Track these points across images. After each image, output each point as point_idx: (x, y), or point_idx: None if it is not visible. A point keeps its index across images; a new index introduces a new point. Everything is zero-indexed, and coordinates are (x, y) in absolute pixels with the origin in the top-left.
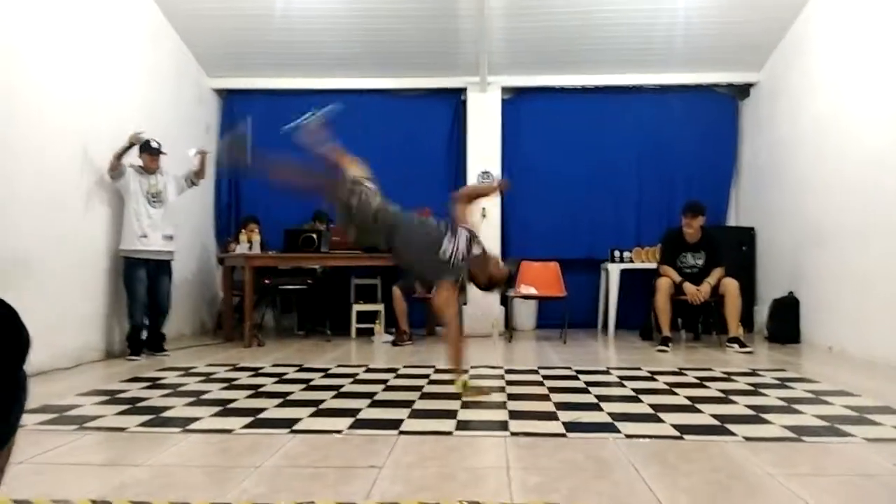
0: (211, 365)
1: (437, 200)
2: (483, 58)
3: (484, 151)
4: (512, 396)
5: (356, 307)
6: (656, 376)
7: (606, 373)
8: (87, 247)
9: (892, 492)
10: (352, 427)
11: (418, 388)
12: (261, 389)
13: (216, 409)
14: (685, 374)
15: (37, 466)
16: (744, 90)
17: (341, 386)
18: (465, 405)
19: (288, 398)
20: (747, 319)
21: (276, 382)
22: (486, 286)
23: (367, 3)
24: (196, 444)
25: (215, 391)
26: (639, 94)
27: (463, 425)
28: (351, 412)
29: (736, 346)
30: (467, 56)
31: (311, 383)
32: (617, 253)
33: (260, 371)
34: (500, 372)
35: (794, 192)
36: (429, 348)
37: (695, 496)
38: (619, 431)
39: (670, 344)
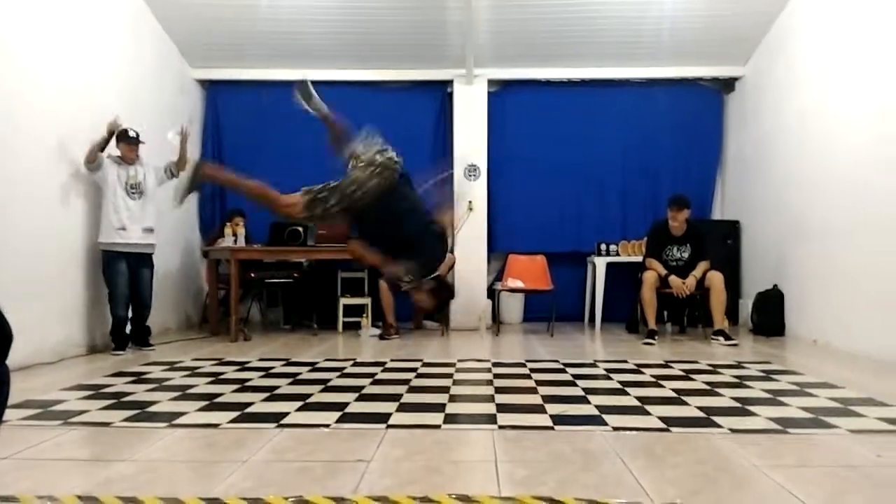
0: (197, 359)
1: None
2: (469, 50)
3: (470, 144)
4: (499, 390)
5: (343, 301)
6: (643, 369)
7: (593, 365)
8: (65, 240)
9: (875, 482)
10: (339, 421)
11: (406, 382)
12: (247, 384)
13: (202, 403)
14: (671, 367)
15: (21, 462)
16: (729, 84)
17: (328, 380)
18: (453, 399)
19: (275, 392)
20: (732, 312)
21: (263, 377)
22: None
23: None
24: (182, 438)
25: (201, 385)
26: (624, 88)
27: (451, 419)
28: (338, 406)
29: (721, 338)
30: (453, 48)
31: (298, 377)
32: (603, 246)
33: (246, 365)
34: (488, 365)
35: (779, 185)
36: (416, 342)
37: (681, 488)
38: (606, 424)
39: (656, 337)
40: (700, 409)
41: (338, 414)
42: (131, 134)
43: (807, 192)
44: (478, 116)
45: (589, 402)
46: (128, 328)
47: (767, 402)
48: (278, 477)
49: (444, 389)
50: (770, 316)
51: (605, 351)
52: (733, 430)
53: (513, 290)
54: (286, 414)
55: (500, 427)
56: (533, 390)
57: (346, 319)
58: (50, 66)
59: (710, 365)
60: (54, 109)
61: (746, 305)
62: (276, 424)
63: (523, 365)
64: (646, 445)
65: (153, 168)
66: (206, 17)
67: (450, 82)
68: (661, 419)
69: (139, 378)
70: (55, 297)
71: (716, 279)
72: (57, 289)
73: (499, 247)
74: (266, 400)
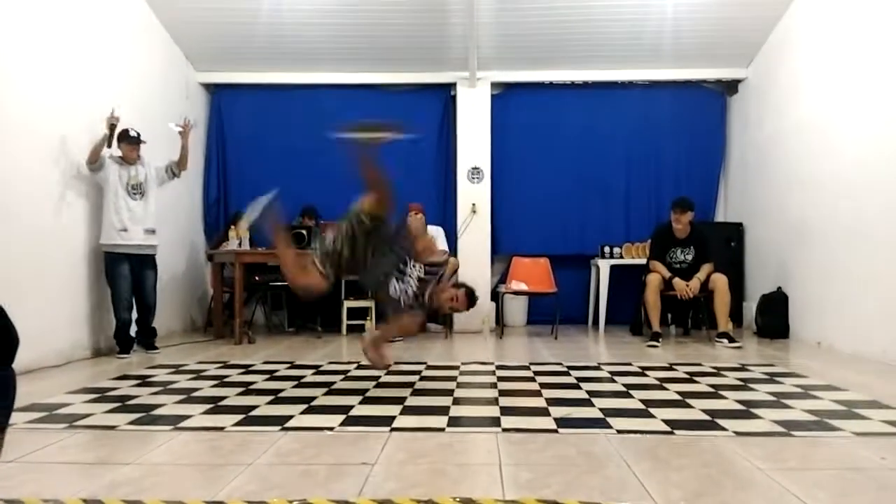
0: (201, 362)
1: (427, 196)
2: (472, 53)
3: (473, 147)
4: (503, 392)
5: (347, 304)
6: (647, 372)
7: (597, 368)
8: (69, 242)
9: (879, 485)
10: (343, 424)
11: (410, 385)
12: (252, 386)
13: (207, 406)
14: (675, 370)
15: (26, 465)
16: (732, 86)
17: (332, 383)
18: (457, 401)
19: (279, 395)
20: (736, 315)
21: (267, 379)
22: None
23: None
24: (187, 441)
25: (206, 388)
26: (628, 90)
27: (455, 422)
28: (342, 409)
29: (725, 341)
30: (457, 51)
31: (303, 380)
32: (607, 248)
33: (251, 368)
34: (492, 368)
35: (783, 187)
36: (420, 345)
37: (686, 491)
38: (610, 427)
39: (660, 339)
40: (704, 411)
41: (342, 417)
42: (132, 134)
43: (810, 193)
44: (481, 119)
45: (593, 405)
46: (133, 330)
47: (772, 405)
48: (282, 480)
49: (448, 392)
50: (774, 318)
51: (608, 353)
52: (738, 433)
53: (516, 293)
54: (290, 417)
55: (504, 430)
56: (537, 393)
57: (350, 322)
58: (55, 70)
59: (714, 367)
60: (59, 113)
61: (750, 308)
62: (280, 427)
63: (527, 367)
64: (650, 448)
65: (154, 168)
66: (211, 22)
67: (453, 85)
68: (666, 422)
69: (144, 381)
70: (61, 301)
71: (720, 282)
72: (62, 292)
73: (502, 249)
74: (270, 403)
